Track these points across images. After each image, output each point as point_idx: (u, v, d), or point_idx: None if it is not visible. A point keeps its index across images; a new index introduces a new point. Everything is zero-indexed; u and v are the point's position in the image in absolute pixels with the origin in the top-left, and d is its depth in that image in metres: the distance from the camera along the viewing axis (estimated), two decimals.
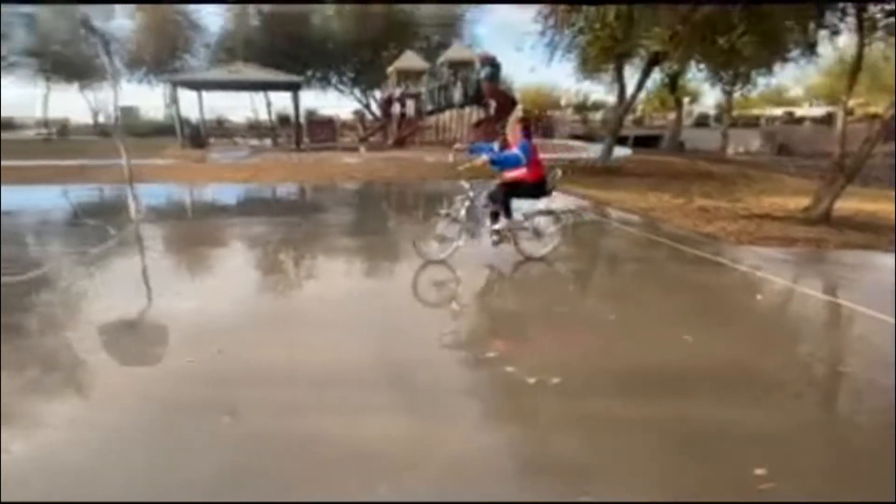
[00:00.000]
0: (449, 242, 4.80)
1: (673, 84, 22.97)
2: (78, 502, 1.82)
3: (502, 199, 4.78)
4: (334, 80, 27.09)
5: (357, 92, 27.79)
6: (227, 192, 10.49)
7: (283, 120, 28.77)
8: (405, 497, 1.91)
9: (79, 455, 2.17)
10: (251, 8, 24.61)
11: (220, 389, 2.71)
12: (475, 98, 17.11)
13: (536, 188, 4.81)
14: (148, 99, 63.27)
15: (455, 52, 19.49)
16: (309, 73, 24.72)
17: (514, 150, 4.55)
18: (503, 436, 2.40)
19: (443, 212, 4.84)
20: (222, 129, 24.65)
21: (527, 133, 4.69)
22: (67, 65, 26.89)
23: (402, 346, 3.48)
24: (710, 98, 40.12)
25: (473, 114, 18.01)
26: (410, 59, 19.00)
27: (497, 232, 4.95)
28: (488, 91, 16.29)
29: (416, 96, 19.07)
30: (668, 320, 3.90)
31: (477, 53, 16.72)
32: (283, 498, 1.91)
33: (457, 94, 17.29)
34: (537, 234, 5.04)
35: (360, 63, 24.83)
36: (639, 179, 11.87)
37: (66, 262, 5.21)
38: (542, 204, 5.09)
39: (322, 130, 19.03)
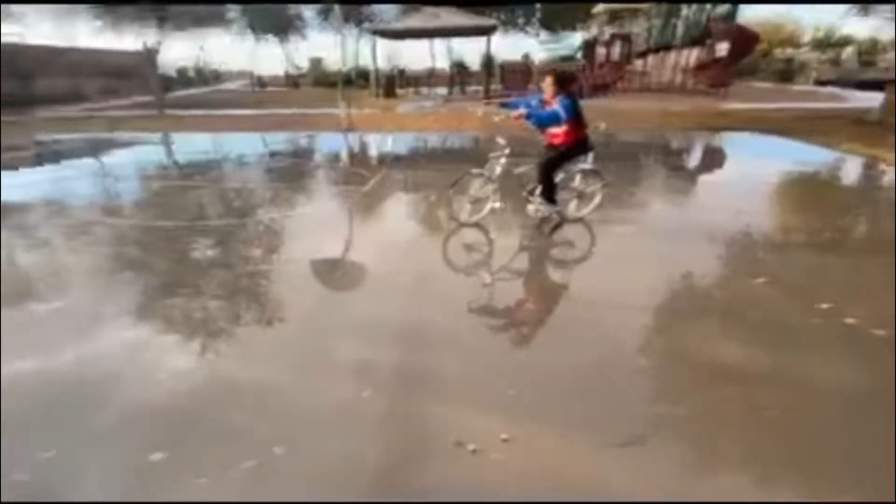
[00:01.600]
0: (482, 203, 4.89)
1: None
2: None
3: (547, 173, 4.67)
4: (521, 22, 27.36)
5: (543, 35, 27.68)
6: (447, 140, 11.74)
7: (460, 67, 30.55)
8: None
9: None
10: None
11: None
12: (700, 38, 15.92)
13: (581, 147, 4.70)
14: (331, 50, 72.49)
15: None
16: (492, 15, 25.26)
17: (554, 107, 4.35)
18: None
19: (475, 171, 4.78)
20: (405, 79, 26.85)
21: (563, 87, 4.47)
22: (270, 19, 31.81)
23: (717, 285, 3.87)
24: None
25: (692, 55, 16.80)
26: None
27: (545, 217, 4.93)
28: (718, 30, 15.01)
29: (627, 38, 18.41)
30: None
31: None
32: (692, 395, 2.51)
33: (678, 34, 16.30)
34: (579, 194, 5.06)
35: (563, 4, 24.54)
36: None
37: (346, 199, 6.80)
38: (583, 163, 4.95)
39: (516, 77, 19.62)
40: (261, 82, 34.93)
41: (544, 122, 4.40)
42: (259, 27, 32.21)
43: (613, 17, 18.96)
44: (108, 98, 25.89)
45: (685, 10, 17.56)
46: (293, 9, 33.83)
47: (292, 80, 34.71)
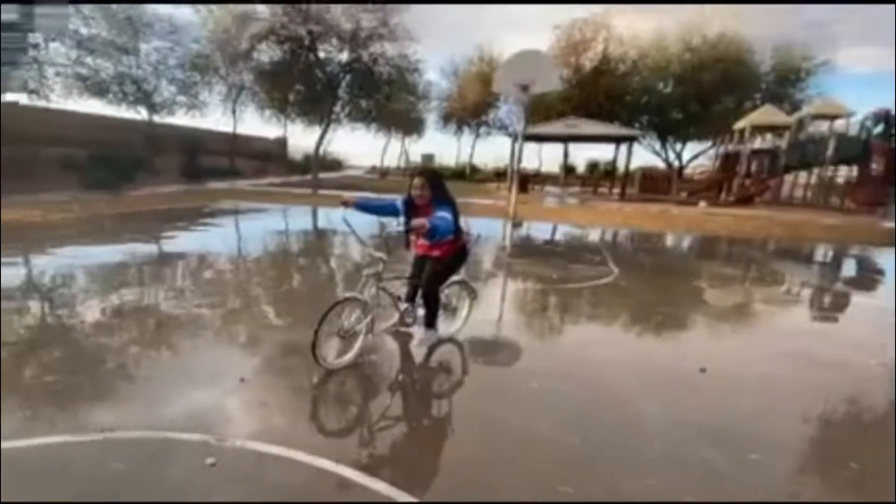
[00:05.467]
0: (354, 338, 3.59)
1: None
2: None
3: (436, 292, 3.89)
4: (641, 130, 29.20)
5: (658, 146, 29.33)
6: (633, 236, 12.37)
7: (569, 170, 32.55)
8: None
9: None
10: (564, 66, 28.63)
11: None
12: (855, 156, 16.49)
13: (463, 256, 3.97)
14: (441, 147, 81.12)
15: (824, 105, 19.16)
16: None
17: (443, 215, 3.45)
18: None
19: (348, 295, 3.50)
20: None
21: (439, 190, 3.63)
22: (401, 120, 35.70)
23: None
24: None
25: (844, 172, 17.26)
26: (770, 114, 19.38)
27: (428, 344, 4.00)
28: (878, 149, 15.53)
29: (772, 152, 19.26)
30: None
31: (875, 109, 16.20)
32: None
33: (829, 151, 16.96)
34: (452, 309, 4.31)
35: (684, 117, 26.31)
36: None
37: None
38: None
39: (654, 182, 20.75)
40: (382, 172, 38.71)
41: (445, 234, 3.50)
42: (393, 126, 36.05)
43: (755, 130, 19.97)
44: (258, 176, 29.45)
45: (840, 128, 18.32)
46: (416, 112, 37.92)
47: (410, 172, 37.93)
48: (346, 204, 3.61)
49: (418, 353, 3.93)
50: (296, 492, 2.22)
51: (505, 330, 4.75)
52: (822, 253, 11.16)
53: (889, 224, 13.91)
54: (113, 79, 22.73)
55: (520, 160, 11.90)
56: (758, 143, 20.64)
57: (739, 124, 20.09)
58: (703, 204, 18.00)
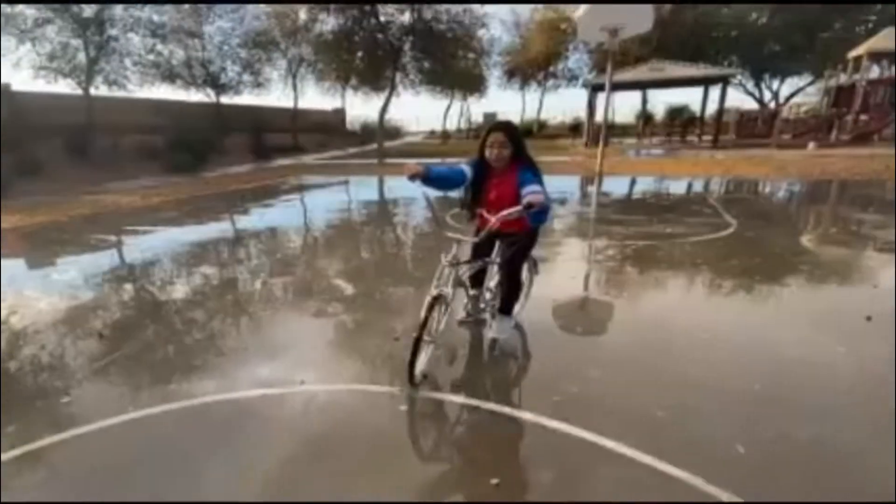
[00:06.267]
0: (430, 343, 3.07)
1: None
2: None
3: (519, 274, 3.39)
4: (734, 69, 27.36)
5: (751, 84, 27.35)
6: (737, 185, 11.73)
7: (647, 119, 31.24)
8: None
9: None
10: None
11: None
12: None
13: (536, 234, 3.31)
14: (503, 106, 78.89)
15: None
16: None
17: (537, 187, 2.72)
18: None
19: (434, 293, 2.83)
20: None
21: (522, 149, 2.94)
22: (465, 81, 35.29)
23: None
24: None
25: None
26: (891, 38, 17.48)
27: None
28: None
29: (894, 83, 17.51)
30: None
31: None
32: None
33: None
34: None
35: (783, 50, 24.34)
36: None
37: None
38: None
39: (750, 125, 19.52)
40: (444, 135, 38.89)
41: (547, 209, 2.83)
42: (456, 86, 35.78)
43: (872, 58, 18.16)
44: (320, 149, 30.24)
45: None
46: (479, 69, 37.22)
47: (474, 134, 37.94)
48: (413, 177, 2.72)
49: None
50: (488, 433, 2.48)
51: (649, 286, 4.78)
52: None
53: None
54: (183, 64, 23.95)
55: (607, 111, 11.51)
56: (874, 73, 18.80)
57: (855, 52, 18.26)
58: (811, 145, 16.74)
